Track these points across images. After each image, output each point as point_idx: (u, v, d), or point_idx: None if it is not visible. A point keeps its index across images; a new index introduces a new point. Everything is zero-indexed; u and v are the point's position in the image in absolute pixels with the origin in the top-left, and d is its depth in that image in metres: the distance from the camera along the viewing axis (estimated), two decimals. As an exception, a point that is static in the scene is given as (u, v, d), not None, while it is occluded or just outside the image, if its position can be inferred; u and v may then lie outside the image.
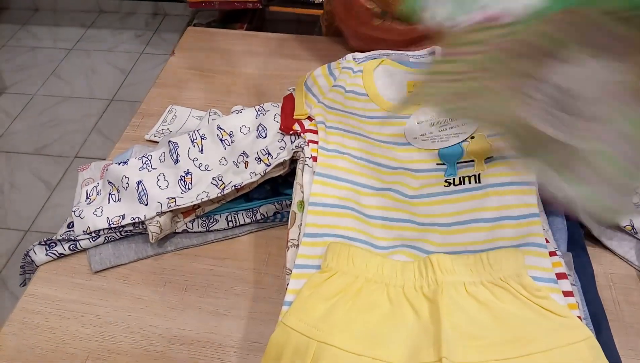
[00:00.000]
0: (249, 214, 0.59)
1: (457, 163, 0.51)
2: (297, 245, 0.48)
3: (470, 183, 0.49)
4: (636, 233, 0.55)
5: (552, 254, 0.46)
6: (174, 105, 0.74)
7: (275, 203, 0.59)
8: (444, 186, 0.50)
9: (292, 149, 0.54)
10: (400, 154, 0.53)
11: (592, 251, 0.56)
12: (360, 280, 0.43)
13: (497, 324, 0.40)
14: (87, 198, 0.61)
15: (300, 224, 0.50)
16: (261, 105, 0.64)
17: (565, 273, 0.45)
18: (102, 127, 1.94)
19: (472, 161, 0.51)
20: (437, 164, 0.52)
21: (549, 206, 0.55)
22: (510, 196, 0.48)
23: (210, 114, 0.66)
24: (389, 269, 0.44)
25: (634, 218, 0.55)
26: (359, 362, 0.39)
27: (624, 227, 0.55)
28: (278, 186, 0.60)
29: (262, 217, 0.59)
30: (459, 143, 0.52)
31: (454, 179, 0.50)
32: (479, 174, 0.50)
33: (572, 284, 0.46)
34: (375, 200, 0.51)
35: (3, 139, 1.90)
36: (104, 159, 0.67)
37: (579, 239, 0.55)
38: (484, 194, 0.49)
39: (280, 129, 0.59)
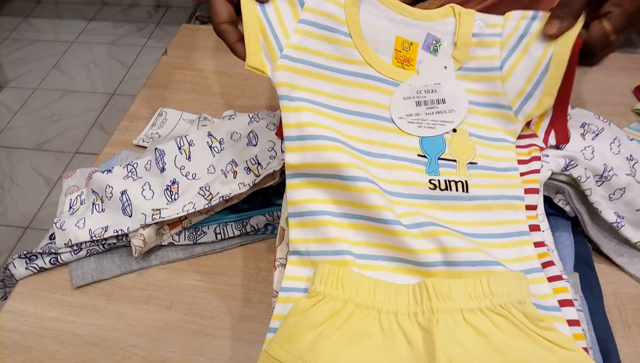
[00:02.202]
0: (239, 226, 0.56)
1: (439, 158, 0.46)
2: (285, 265, 0.45)
3: (457, 190, 0.45)
4: (648, 250, 0.52)
5: (557, 278, 0.43)
6: (164, 108, 0.71)
7: (267, 214, 0.56)
8: (430, 188, 0.45)
9: (282, 159, 0.51)
10: (382, 135, 0.46)
11: (601, 268, 0.53)
12: (350, 305, 0.40)
13: (497, 357, 0.37)
14: (70, 207, 0.58)
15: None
16: (256, 113, 0.60)
17: (571, 300, 0.42)
18: (103, 122, 1.91)
19: (454, 161, 0.46)
20: (419, 155, 0.46)
21: (554, 222, 0.52)
22: (499, 211, 0.45)
23: (201, 119, 0.63)
24: (382, 293, 0.41)
25: (646, 234, 0.51)
26: (346, 397, 0.36)
27: (636, 243, 0.51)
28: (269, 196, 0.57)
29: (252, 229, 0.56)
30: (442, 133, 0.47)
31: (439, 181, 0.45)
32: (466, 183, 0.45)
33: (578, 309, 0.43)
34: (357, 196, 0.43)
35: (4, 134, 1.89)
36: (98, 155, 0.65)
37: (586, 256, 0.52)
38: (473, 206, 0.45)
39: (276, 134, 0.55)
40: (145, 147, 0.65)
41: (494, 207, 0.45)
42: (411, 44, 0.48)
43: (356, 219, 0.44)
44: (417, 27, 0.48)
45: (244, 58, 0.46)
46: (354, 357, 0.38)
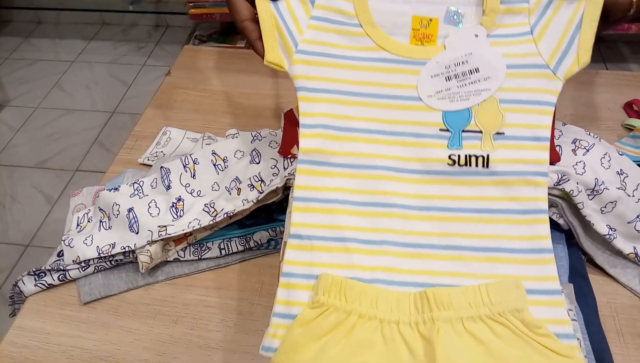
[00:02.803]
0: (242, 241, 0.58)
1: (463, 131, 0.46)
2: None
3: (477, 165, 0.45)
4: (640, 261, 0.53)
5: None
6: (168, 127, 0.73)
7: (269, 230, 0.58)
8: (448, 164, 0.45)
9: (285, 176, 0.53)
10: (403, 114, 0.47)
11: (595, 279, 0.54)
12: (353, 316, 0.41)
13: (496, 365, 0.38)
14: (77, 225, 0.60)
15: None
16: (258, 131, 0.62)
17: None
18: (104, 140, 1.93)
19: (480, 132, 0.46)
20: (440, 130, 0.46)
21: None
22: (519, 187, 0.44)
23: (205, 138, 0.65)
24: (384, 303, 0.42)
25: (638, 245, 0.53)
26: (350, 406, 0.37)
27: (628, 254, 0.53)
28: (272, 212, 0.59)
29: (256, 244, 0.58)
30: (478, 103, 0.46)
31: (458, 156, 0.45)
32: (487, 157, 0.45)
33: (573, 319, 0.44)
34: (365, 183, 0.46)
35: (5, 152, 1.90)
36: (104, 173, 0.66)
37: (580, 268, 0.54)
38: (492, 182, 0.45)
39: (278, 151, 0.56)
40: (150, 165, 0.67)
41: (514, 183, 0.45)
42: (430, 20, 0.49)
43: (365, 207, 0.45)
44: (435, 3, 0.49)
45: (263, 55, 0.48)
46: (358, 367, 0.39)
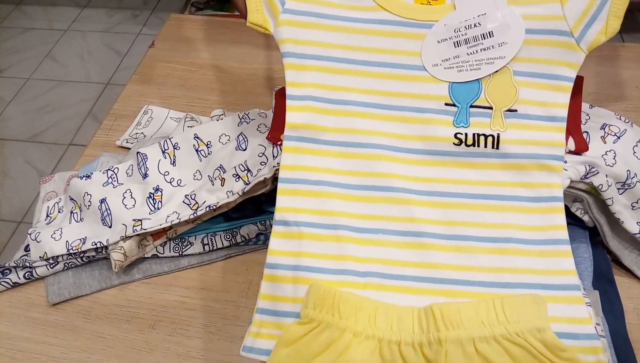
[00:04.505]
0: (228, 236, 0.52)
1: (471, 106, 0.41)
2: None
3: (486, 146, 0.40)
4: (673, 262, 0.47)
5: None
6: (150, 105, 0.66)
7: (258, 223, 0.52)
8: (454, 143, 0.41)
9: (274, 166, 0.47)
10: (404, 85, 0.42)
11: (621, 282, 0.49)
12: (348, 334, 0.36)
13: (511, 395, 0.33)
14: (47, 216, 0.54)
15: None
16: (246, 112, 0.56)
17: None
18: (98, 113, 1.87)
19: (490, 108, 0.41)
20: (446, 104, 0.41)
21: (571, 232, 0.48)
22: (533, 172, 0.40)
23: (187, 119, 0.59)
24: (383, 319, 0.37)
25: (671, 246, 0.47)
26: None
27: (660, 256, 0.47)
28: (261, 204, 0.53)
29: (243, 239, 0.52)
30: (491, 73, 0.41)
31: (465, 135, 0.40)
32: (497, 137, 0.40)
33: (601, 335, 0.39)
34: (360, 163, 0.41)
35: (-4, 126, 1.84)
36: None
37: (606, 271, 0.48)
38: (502, 165, 0.40)
39: (267, 138, 0.51)
40: (129, 148, 0.61)
41: (527, 167, 0.40)
42: None
43: (359, 190, 0.41)
44: None
45: (245, 15, 0.43)
46: (352, 396, 0.34)
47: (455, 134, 0.41)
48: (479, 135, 0.41)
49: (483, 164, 0.41)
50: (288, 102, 0.43)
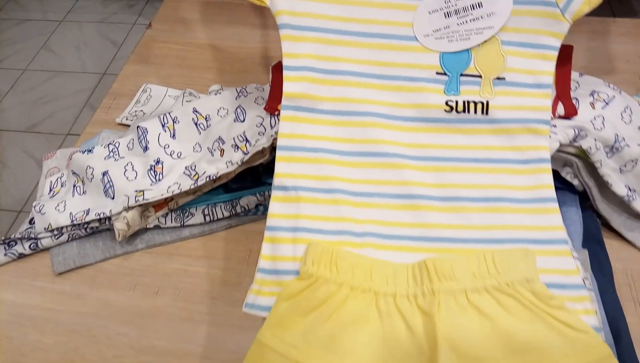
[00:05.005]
0: (228, 207, 0.53)
1: (461, 75, 0.43)
2: None
3: (476, 112, 0.42)
4: (661, 224, 0.49)
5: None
6: (148, 84, 0.67)
7: (257, 194, 0.53)
8: (445, 111, 0.42)
9: (272, 135, 0.48)
10: (397, 56, 0.43)
11: (610, 244, 0.50)
12: (345, 288, 0.37)
13: (502, 342, 0.34)
14: (50, 190, 0.55)
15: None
16: (244, 87, 0.57)
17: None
18: (94, 102, 1.87)
19: (479, 76, 0.43)
20: (437, 73, 0.43)
21: (561, 197, 0.49)
22: (521, 136, 0.42)
23: (185, 95, 0.60)
24: (379, 274, 0.38)
25: (659, 208, 0.49)
26: (341, 387, 0.33)
27: (647, 218, 0.49)
28: (260, 175, 0.54)
29: (243, 210, 0.53)
30: (480, 43, 0.43)
31: (456, 103, 0.42)
32: (486, 104, 0.42)
33: (589, 289, 0.40)
34: (355, 131, 0.43)
35: (-6, 116, 1.85)
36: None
37: (595, 232, 0.49)
38: (492, 130, 0.42)
39: (264, 108, 0.52)
40: (129, 126, 0.62)
41: (515, 131, 0.42)
42: None
43: (354, 156, 0.43)
44: None
45: None
46: (350, 344, 0.35)
47: (447, 102, 0.43)
48: (469, 102, 0.42)
49: (473, 129, 0.42)
50: (285, 72, 0.44)
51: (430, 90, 0.43)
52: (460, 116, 0.42)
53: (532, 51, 0.43)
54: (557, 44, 0.43)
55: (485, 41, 0.43)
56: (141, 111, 0.64)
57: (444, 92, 0.43)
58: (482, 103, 0.42)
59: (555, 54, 0.43)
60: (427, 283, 0.37)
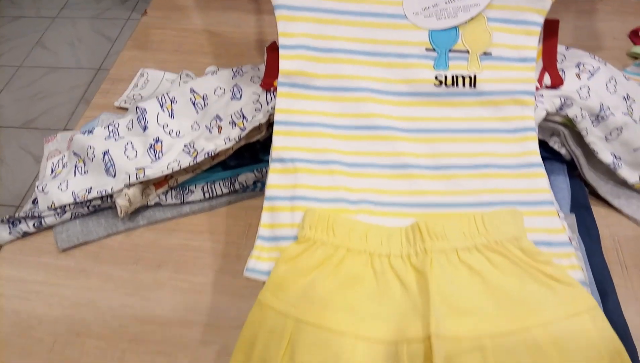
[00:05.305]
0: (227, 184, 0.54)
1: (449, 51, 0.45)
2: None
3: (464, 86, 0.44)
4: (646, 190, 0.50)
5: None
6: (145, 68, 0.68)
7: (255, 171, 0.55)
8: (435, 85, 0.44)
9: (268, 111, 0.49)
10: (387, 33, 0.45)
11: (598, 211, 0.52)
12: (342, 250, 0.39)
13: (492, 295, 0.36)
14: (52, 171, 0.56)
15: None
16: (239, 67, 0.58)
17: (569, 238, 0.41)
18: (90, 98, 1.87)
19: (467, 52, 0.45)
20: (427, 50, 0.45)
21: (550, 166, 0.51)
22: (507, 107, 0.44)
23: (182, 76, 0.61)
24: (374, 237, 0.40)
25: (644, 175, 0.50)
26: (340, 342, 0.35)
27: (633, 184, 0.50)
28: (257, 152, 0.55)
29: (241, 187, 0.55)
30: (467, 20, 0.45)
31: (445, 77, 0.44)
32: (474, 77, 0.44)
33: (575, 247, 0.42)
34: (349, 106, 0.44)
35: (-10, 113, 1.85)
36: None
37: (583, 199, 0.51)
38: (480, 102, 0.44)
39: (260, 85, 0.53)
40: (127, 109, 0.63)
41: (501, 102, 0.44)
42: None
43: (348, 130, 0.44)
44: None
45: None
46: (347, 301, 0.37)
47: (436, 76, 0.44)
48: (457, 76, 0.44)
49: (462, 102, 0.44)
50: (281, 51, 0.45)
51: (420, 65, 0.45)
52: (450, 90, 0.44)
53: (516, 27, 0.45)
54: (540, 20, 0.45)
55: (472, 18, 0.45)
56: (139, 94, 0.65)
57: (434, 67, 0.45)
58: (470, 77, 0.44)
59: (538, 29, 0.45)
60: (420, 242, 0.38)
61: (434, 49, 0.45)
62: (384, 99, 0.45)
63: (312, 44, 0.45)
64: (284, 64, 0.45)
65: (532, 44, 0.45)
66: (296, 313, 0.36)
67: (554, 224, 0.40)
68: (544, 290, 0.36)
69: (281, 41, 0.45)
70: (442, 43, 0.45)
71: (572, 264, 0.39)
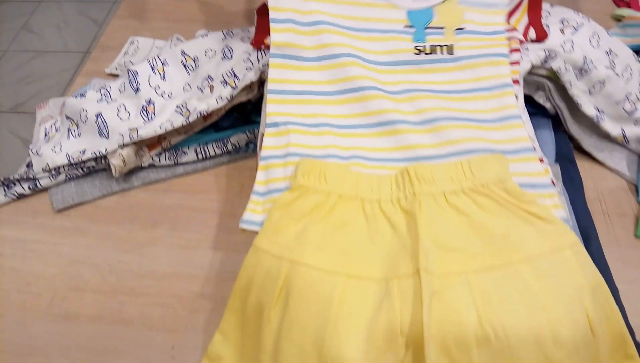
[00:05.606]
0: (219, 145, 0.55)
1: (426, 27, 0.49)
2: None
3: (442, 53, 0.48)
4: (627, 142, 0.52)
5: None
6: (136, 36, 0.68)
7: (247, 132, 0.56)
8: (415, 53, 0.48)
9: (259, 68, 0.50)
10: (368, 11, 0.49)
11: (582, 165, 0.53)
12: (334, 196, 0.40)
13: (479, 234, 0.37)
14: (45, 135, 0.57)
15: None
16: (230, 29, 0.59)
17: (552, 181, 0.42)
18: (79, 81, 1.86)
19: (442, 28, 0.48)
20: (405, 26, 0.49)
21: (535, 121, 0.52)
22: (483, 68, 0.47)
23: (173, 39, 0.61)
24: (365, 184, 0.41)
25: (625, 127, 0.52)
26: (333, 281, 0.36)
27: (616, 137, 0.52)
28: (249, 114, 0.56)
29: (234, 147, 0.55)
30: (440, 1, 0.49)
31: (424, 47, 0.48)
32: (451, 46, 0.48)
33: (559, 192, 0.43)
34: (336, 72, 0.47)
35: (-23, 98, 1.83)
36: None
37: (567, 153, 0.52)
38: (458, 67, 0.47)
39: (251, 43, 0.54)
40: (118, 76, 0.64)
41: (478, 65, 0.47)
42: None
43: (337, 95, 0.47)
44: None
45: None
46: (340, 242, 0.38)
47: (416, 47, 0.48)
48: (435, 46, 0.48)
49: (441, 68, 0.48)
50: (272, 24, 0.48)
51: (400, 39, 0.48)
52: (429, 57, 0.48)
53: (484, 9, 0.49)
54: (505, 1, 0.49)
55: (444, 0, 0.49)
56: (130, 61, 0.65)
57: (413, 40, 0.48)
58: (447, 46, 0.48)
59: (505, 9, 0.49)
60: (409, 186, 0.39)
61: (412, 26, 0.48)
62: (368, 66, 0.47)
63: (299, 19, 0.48)
64: (274, 37, 0.48)
65: (501, 20, 0.49)
66: (290, 255, 0.37)
67: (537, 168, 0.41)
68: (528, 228, 0.37)
69: (271, 15, 0.48)
70: (419, 21, 0.49)
71: (555, 203, 0.40)
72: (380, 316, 0.34)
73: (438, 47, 0.48)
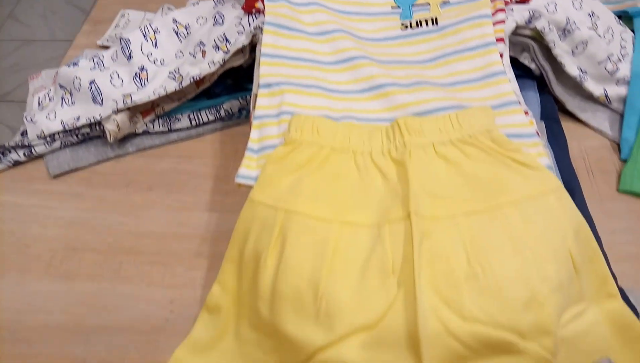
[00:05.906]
0: (212, 111, 0.56)
1: (412, 6, 0.51)
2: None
3: (427, 25, 0.50)
4: (610, 102, 0.54)
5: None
6: (126, 9, 0.69)
7: (240, 98, 0.56)
8: (401, 29, 0.50)
9: (251, 32, 0.51)
10: None
11: (566, 126, 0.55)
12: (326, 149, 0.41)
13: (466, 182, 0.39)
14: (39, 104, 0.57)
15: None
16: (221, -3, 0.59)
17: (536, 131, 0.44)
18: (67, 68, 1.84)
19: (427, 4, 0.51)
20: (392, 7, 0.51)
21: (521, 83, 0.54)
22: (467, 31, 0.48)
23: (164, 9, 0.62)
24: (356, 137, 0.42)
25: (608, 87, 0.53)
26: (328, 227, 0.37)
27: (598, 96, 0.53)
28: (241, 80, 0.57)
29: (227, 114, 0.56)
30: None
31: (410, 22, 0.50)
32: (435, 18, 0.50)
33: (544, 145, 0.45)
34: (329, 46, 0.49)
35: (-36, 87, 1.81)
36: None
37: (552, 113, 0.54)
38: (442, 35, 0.49)
39: (242, 7, 0.54)
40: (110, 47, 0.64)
41: (462, 29, 0.48)
42: None
43: (330, 65, 0.48)
44: None
45: None
46: (333, 192, 0.39)
47: (402, 23, 0.51)
48: (420, 20, 0.50)
49: (428, 38, 0.50)
50: (267, 1, 0.50)
51: (388, 19, 0.51)
52: (415, 31, 0.50)
53: None
54: None
55: None
56: (121, 34, 0.66)
57: (400, 19, 0.51)
58: (432, 18, 0.50)
59: None
60: (400, 138, 0.41)
61: (398, 7, 0.51)
62: (359, 41, 0.50)
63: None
64: (270, 9, 0.50)
65: None
66: (285, 205, 0.39)
67: (522, 120, 0.43)
68: (514, 174, 0.39)
69: None
70: (405, 1, 0.51)
71: (539, 152, 0.41)
72: (373, 258, 0.36)
73: (424, 21, 0.50)
